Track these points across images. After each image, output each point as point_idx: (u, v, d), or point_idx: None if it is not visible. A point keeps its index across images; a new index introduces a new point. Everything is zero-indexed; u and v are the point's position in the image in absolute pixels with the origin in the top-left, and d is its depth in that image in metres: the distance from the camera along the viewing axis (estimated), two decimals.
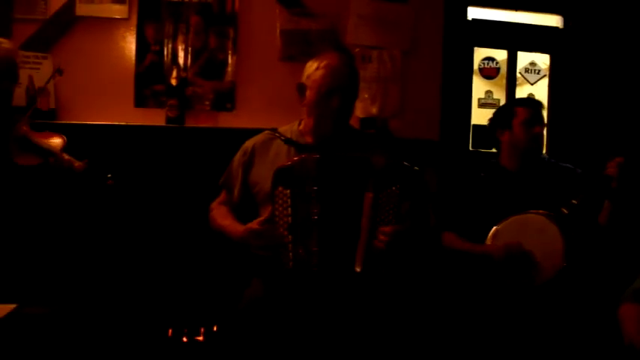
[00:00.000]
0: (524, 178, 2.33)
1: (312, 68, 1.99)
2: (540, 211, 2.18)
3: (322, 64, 1.96)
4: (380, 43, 2.82)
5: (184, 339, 2.37)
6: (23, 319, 1.54)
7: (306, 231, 1.80)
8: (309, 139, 2.03)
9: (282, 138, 2.05)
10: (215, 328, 2.32)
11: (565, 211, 2.14)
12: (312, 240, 1.80)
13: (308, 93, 1.99)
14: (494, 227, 2.21)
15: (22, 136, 2.07)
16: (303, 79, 2.02)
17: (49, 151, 2.04)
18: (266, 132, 2.12)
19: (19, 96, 2.54)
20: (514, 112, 2.34)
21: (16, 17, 2.65)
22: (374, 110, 2.79)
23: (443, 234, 2.38)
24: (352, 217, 1.80)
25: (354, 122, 2.60)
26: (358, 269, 1.79)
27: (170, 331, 2.39)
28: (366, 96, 2.79)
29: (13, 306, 1.55)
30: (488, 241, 2.20)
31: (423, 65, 2.87)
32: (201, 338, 2.36)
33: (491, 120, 2.47)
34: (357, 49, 2.80)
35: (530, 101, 2.47)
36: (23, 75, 2.53)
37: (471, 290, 2.27)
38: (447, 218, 2.40)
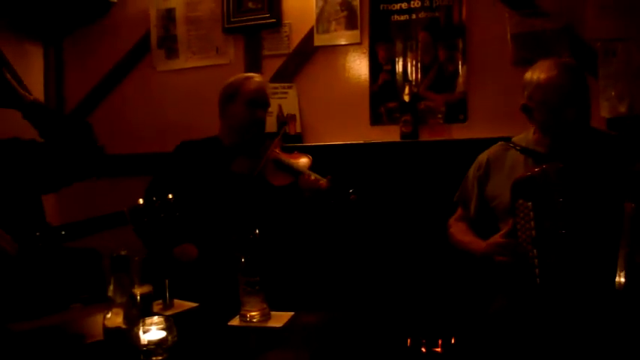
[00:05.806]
0: None
1: (532, 86, 1.89)
2: None
3: (541, 81, 1.85)
4: (625, 34, 2.53)
5: (423, 349, 2.40)
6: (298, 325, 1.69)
7: (553, 245, 1.70)
8: (545, 148, 1.93)
9: (517, 148, 1.97)
10: (453, 341, 2.31)
11: None
12: (561, 255, 1.69)
13: (536, 114, 1.91)
14: None
15: (275, 158, 2.32)
16: (525, 99, 1.92)
17: (298, 171, 2.24)
18: (499, 143, 2.07)
19: (271, 123, 2.87)
20: None
21: (264, 54, 3.01)
22: (622, 109, 2.52)
23: None
24: (608, 230, 1.65)
25: (600, 123, 2.43)
26: (621, 285, 1.64)
27: (409, 340, 2.44)
28: (613, 94, 2.53)
29: (290, 314, 1.73)
30: None
31: None
32: (439, 350, 2.37)
33: None
34: (599, 44, 2.55)
35: None
36: (273, 104, 2.86)
37: None
38: None
